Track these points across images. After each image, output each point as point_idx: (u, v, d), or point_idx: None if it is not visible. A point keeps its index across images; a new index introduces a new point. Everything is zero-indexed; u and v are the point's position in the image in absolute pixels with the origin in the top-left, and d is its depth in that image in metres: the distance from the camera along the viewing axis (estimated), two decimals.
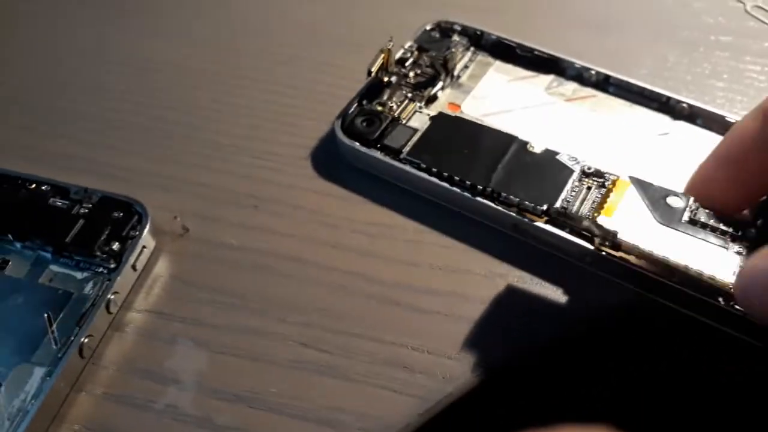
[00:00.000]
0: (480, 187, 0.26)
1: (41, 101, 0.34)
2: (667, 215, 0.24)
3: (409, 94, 0.31)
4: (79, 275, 0.25)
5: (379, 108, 0.30)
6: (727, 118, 0.29)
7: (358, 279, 0.26)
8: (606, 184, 0.26)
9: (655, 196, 0.25)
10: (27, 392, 0.22)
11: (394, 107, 0.30)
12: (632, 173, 0.26)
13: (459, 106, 0.30)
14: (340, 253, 0.27)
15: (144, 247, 0.26)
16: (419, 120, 0.29)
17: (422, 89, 0.31)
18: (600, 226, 0.24)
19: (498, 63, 0.33)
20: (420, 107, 0.30)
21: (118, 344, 0.24)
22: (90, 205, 0.27)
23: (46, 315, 0.24)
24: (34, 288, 0.25)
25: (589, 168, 0.26)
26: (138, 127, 0.32)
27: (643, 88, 0.30)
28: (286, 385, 0.23)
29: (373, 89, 0.31)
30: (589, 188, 0.26)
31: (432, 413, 0.23)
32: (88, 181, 0.28)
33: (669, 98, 0.30)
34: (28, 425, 0.21)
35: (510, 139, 0.28)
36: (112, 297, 0.24)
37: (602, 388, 0.26)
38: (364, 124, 0.29)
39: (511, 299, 0.25)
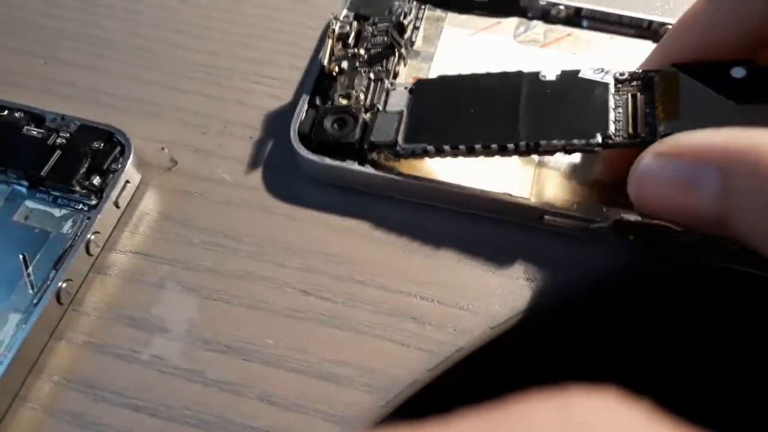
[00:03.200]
0: (511, 145, 0.21)
1: (15, 16, 0.30)
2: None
3: (371, 75, 0.25)
4: (56, 212, 0.23)
5: (345, 102, 0.24)
6: None
7: (365, 221, 0.24)
8: (651, 83, 0.21)
9: (715, 77, 0.20)
10: (1, 341, 0.20)
11: (361, 96, 0.25)
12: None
13: None
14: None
15: (127, 181, 0.24)
16: (397, 99, 0.24)
17: (381, 63, 0.26)
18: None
19: (451, 15, 0.28)
20: (391, 84, 0.25)
21: (101, 289, 0.22)
22: (68, 135, 0.24)
23: (21, 256, 0.22)
24: (8, 226, 0.23)
25: (621, 74, 0.22)
26: (123, 46, 0.29)
27: (621, 16, 0.27)
28: (283, 335, 0.21)
29: (322, 82, 0.25)
30: (634, 96, 0.21)
31: (442, 369, 0.21)
32: (65, 107, 0.25)
33: (651, 22, 0.26)
34: (2, 376, 0.20)
35: (515, 77, 0.23)
36: (92, 237, 0.22)
37: (617, 349, 0.24)
38: (336, 126, 0.24)
39: (532, 246, 0.23)
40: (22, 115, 0.25)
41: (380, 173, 0.23)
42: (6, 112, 0.25)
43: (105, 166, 0.24)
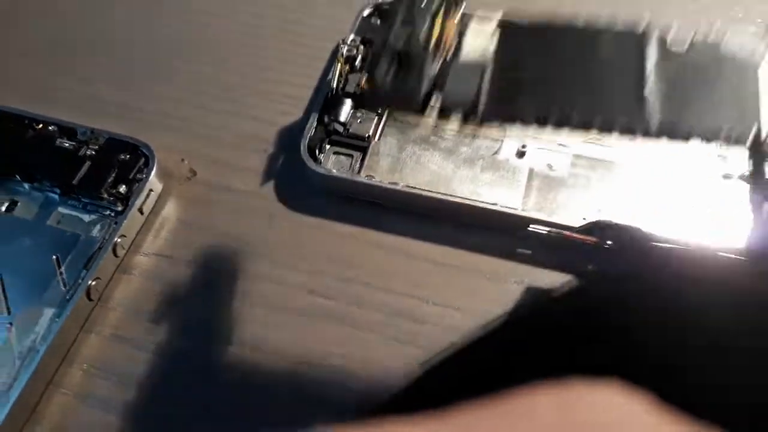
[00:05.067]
0: (640, 127, 0.16)
1: (48, 35, 0.33)
2: None
3: (432, 5, 0.19)
4: (86, 218, 0.25)
5: (402, 42, 0.18)
6: None
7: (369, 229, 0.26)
8: None
9: None
10: (37, 333, 0.23)
11: (422, 35, 0.18)
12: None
13: None
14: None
15: (151, 190, 0.26)
16: (475, 45, 0.18)
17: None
18: None
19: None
20: (463, 19, 0.19)
21: (126, 287, 0.25)
22: (97, 147, 0.27)
23: (54, 257, 0.24)
24: (43, 230, 0.25)
25: None
26: (147, 65, 0.31)
27: None
28: (292, 332, 0.23)
29: (330, 101, 0.25)
30: None
31: (434, 362, 0.23)
32: (95, 121, 0.27)
33: None
34: (38, 364, 0.22)
35: (637, 39, 0.17)
36: (119, 240, 0.24)
37: (617, 343, 0.25)
38: (392, 74, 0.18)
39: (521, 252, 0.25)
40: (56, 128, 0.27)
41: (385, 185, 0.25)
42: (41, 126, 0.27)
43: (131, 176, 0.26)
